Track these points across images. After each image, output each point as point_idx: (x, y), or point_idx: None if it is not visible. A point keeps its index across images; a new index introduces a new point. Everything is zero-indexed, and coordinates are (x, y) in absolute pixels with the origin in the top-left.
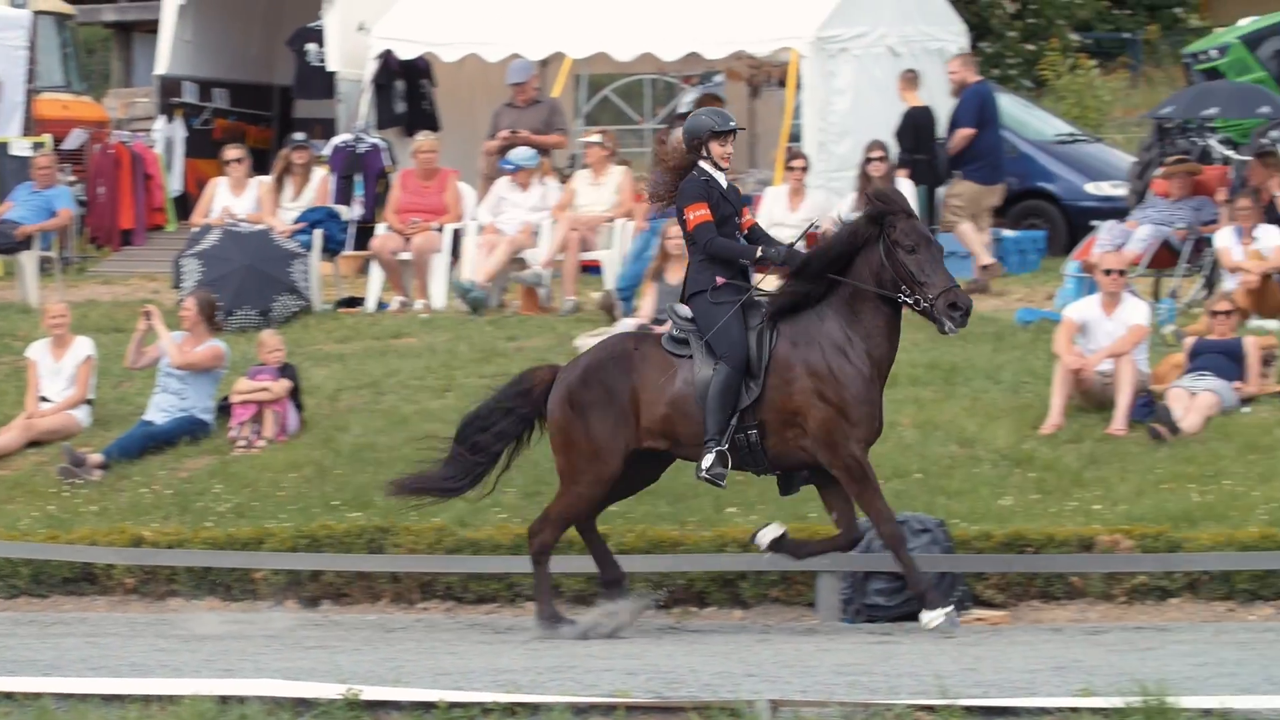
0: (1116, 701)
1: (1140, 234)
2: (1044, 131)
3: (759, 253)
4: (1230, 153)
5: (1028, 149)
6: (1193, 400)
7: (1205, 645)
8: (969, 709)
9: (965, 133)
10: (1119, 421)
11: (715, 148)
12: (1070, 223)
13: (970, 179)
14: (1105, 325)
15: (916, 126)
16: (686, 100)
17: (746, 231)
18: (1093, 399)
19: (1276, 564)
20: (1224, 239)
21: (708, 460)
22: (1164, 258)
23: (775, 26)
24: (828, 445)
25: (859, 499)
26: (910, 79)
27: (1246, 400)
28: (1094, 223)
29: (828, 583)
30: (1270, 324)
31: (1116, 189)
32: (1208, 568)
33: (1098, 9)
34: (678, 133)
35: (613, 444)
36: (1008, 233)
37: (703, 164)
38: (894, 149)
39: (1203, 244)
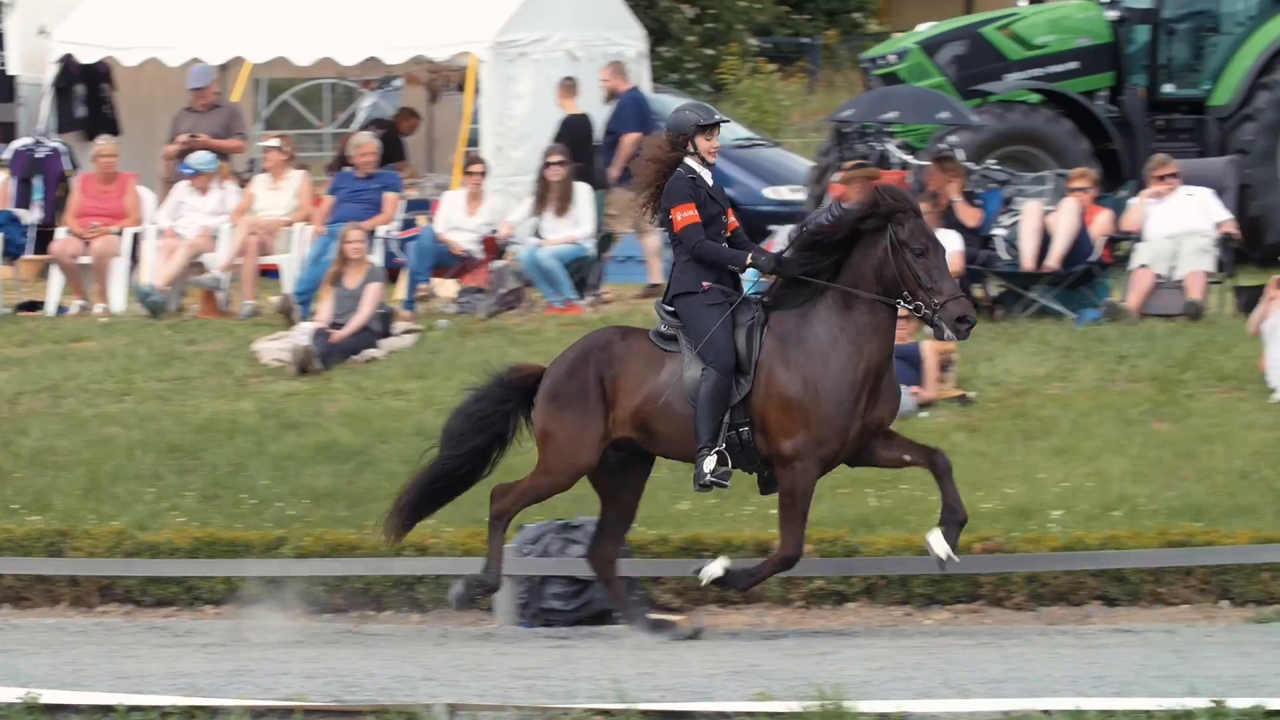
0: (793, 705)
1: None
2: (722, 136)
3: (748, 259)
4: (908, 157)
5: None
6: None
7: (882, 649)
8: (646, 713)
9: (634, 137)
10: None
11: (702, 142)
12: (748, 227)
13: (624, 186)
14: None
15: (574, 134)
16: (365, 105)
17: (730, 233)
18: None
19: (950, 568)
20: None
21: (709, 463)
22: None
23: (454, 31)
24: (788, 454)
25: (784, 511)
26: (569, 87)
27: (924, 405)
28: (772, 227)
29: (505, 586)
30: None
31: (795, 193)
32: (885, 572)
33: (776, 14)
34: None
35: (586, 437)
36: None
37: (689, 160)
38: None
39: None
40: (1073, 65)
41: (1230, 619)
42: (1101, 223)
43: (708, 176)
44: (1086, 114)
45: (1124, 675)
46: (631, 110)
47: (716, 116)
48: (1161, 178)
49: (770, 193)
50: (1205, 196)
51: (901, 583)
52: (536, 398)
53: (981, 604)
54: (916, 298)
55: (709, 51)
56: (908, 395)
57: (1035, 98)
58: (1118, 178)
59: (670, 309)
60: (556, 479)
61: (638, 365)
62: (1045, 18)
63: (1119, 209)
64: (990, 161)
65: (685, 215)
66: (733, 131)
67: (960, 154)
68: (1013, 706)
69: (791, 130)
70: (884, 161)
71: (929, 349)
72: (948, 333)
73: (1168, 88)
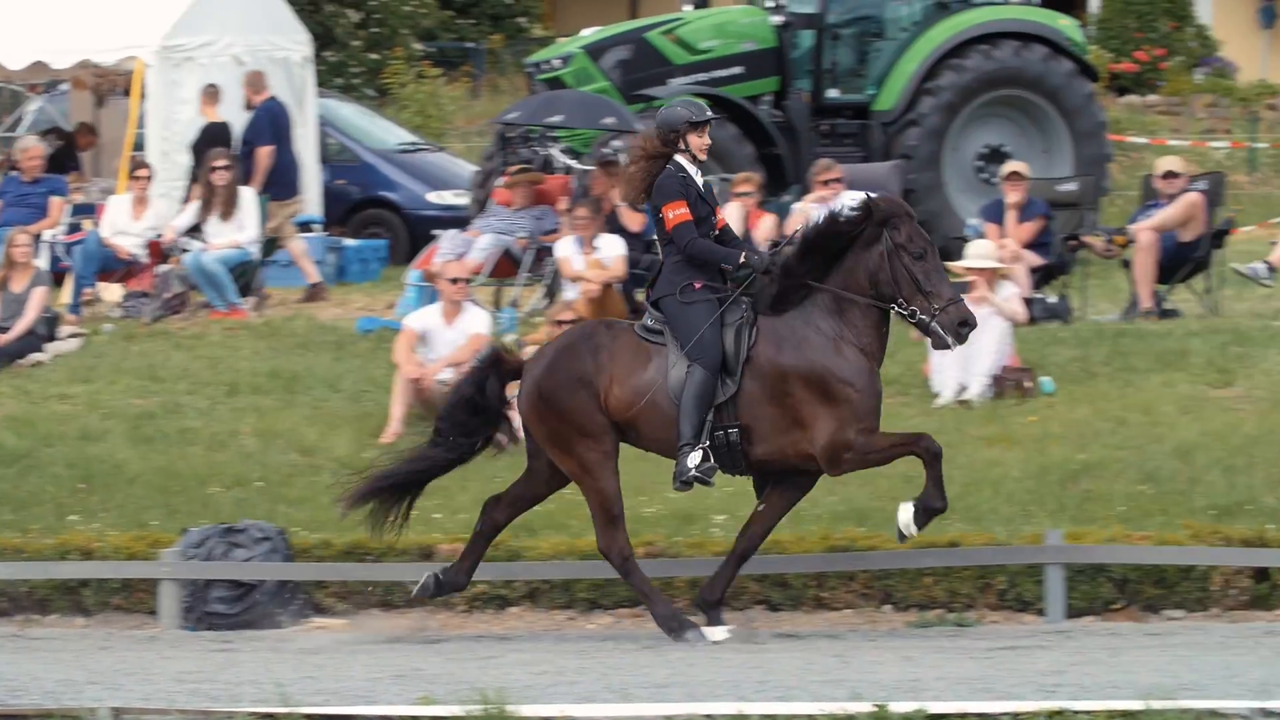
0: (456, 710)
1: (482, 243)
2: (386, 141)
3: (742, 257)
4: (572, 162)
5: (370, 158)
6: None
7: (545, 654)
8: (310, 717)
9: (267, 150)
10: None
11: (693, 140)
12: (412, 232)
13: (261, 198)
14: (446, 334)
15: (213, 141)
16: (32, 109)
17: (718, 232)
18: (433, 408)
19: (615, 573)
20: (564, 248)
21: (694, 458)
22: (506, 267)
23: (121, 35)
24: (830, 449)
25: (881, 461)
26: (211, 94)
27: None
28: (436, 232)
29: (169, 590)
30: None
31: (459, 198)
32: (547, 576)
33: (441, 19)
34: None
35: (597, 417)
36: (349, 242)
37: (679, 158)
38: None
39: (544, 253)
40: (737, 70)
41: (893, 623)
42: (765, 227)
43: (698, 175)
44: (751, 119)
45: (786, 680)
46: (265, 122)
47: (708, 113)
48: (825, 182)
49: (434, 197)
50: None
51: (564, 587)
52: (521, 402)
53: (644, 608)
54: (913, 302)
55: (374, 56)
56: None
57: None
58: (782, 182)
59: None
60: (603, 469)
61: (625, 357)
62: (710, 23)
63: (782, 213)
64: None
65: (677, 213)
66: (397, 136)
67: (624, 159)
68: (675, 710)
69: (455, 135)
70: (548, 166)
71: None
72: (949, 338)
73: (832, 93)
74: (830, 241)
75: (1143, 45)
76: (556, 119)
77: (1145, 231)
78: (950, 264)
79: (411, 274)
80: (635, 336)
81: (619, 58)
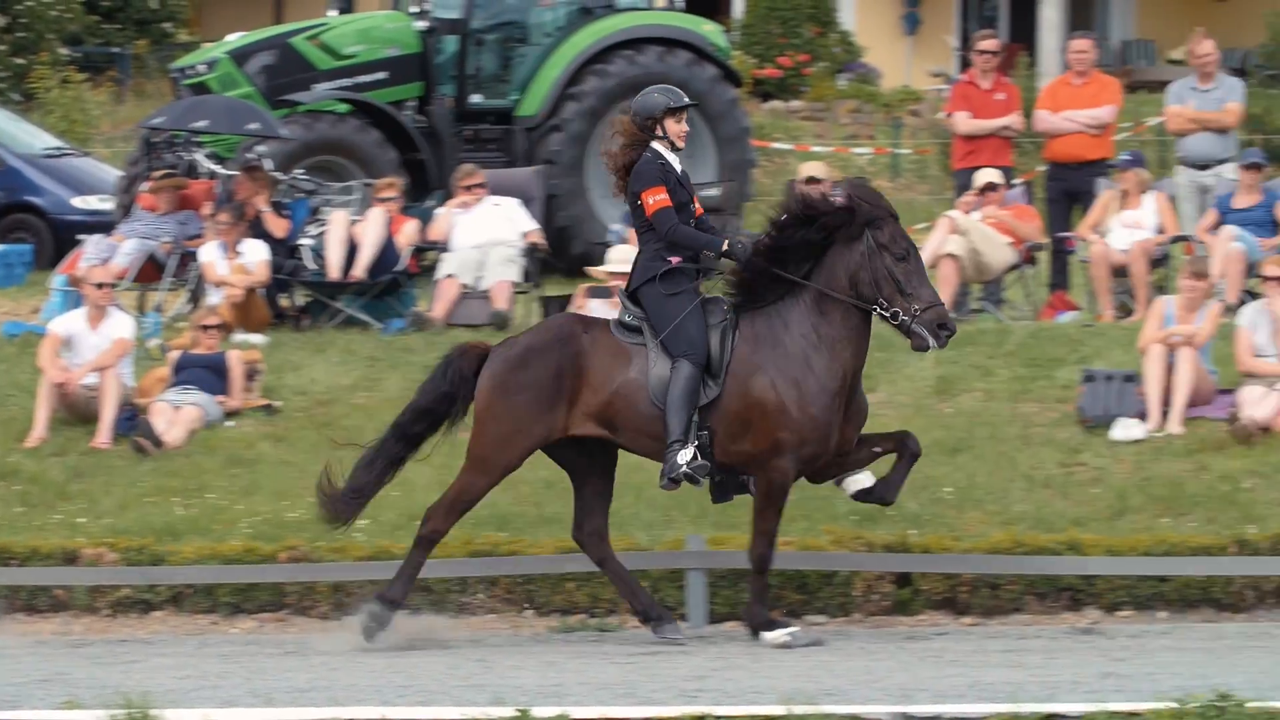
0: (101, 714)
1: (127, 248)
2: (32, 145)
3: (725, 244)
4: (217, 167)
5: (16, 163)
6: (177, 414)
7: (189, 658)
8: None
9: None
10: (103, 435)
11: (671, 126)
12: (57, 236)
13: None
14: (91, 339)
15: None
16: None
17: (697, 219)
18: (77, 412)
19: (258, 577)
20: (209, 253)
21: (685, 455)
22: (150, 272)
23: None
24: (766, 455)
25: (759, 513)
26: None
27: (230, 414)
28: (81, 236)
29: None
30: (254, 338)
31: (104, 203)
32: (190, 581)
33: (87, 23)
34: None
35: (529, 432)
36: None
37: (656, 145)
38: None
39: (188, 258)
40: (381, 75)
41: (535, 628)
42: (408, 232)
43: (675, 162)
44: (394, 124)
45: (429, 684)
46: None
47: (686, 99)
48: (468, 188)
49: (79, 202)
50: (512, 206)
51: (208, 591)
52: (480, 380)
53: (287, 613)
54: (894, 304)
55: (20, 60)
56: (214, 404)
57: (344, 108)
58: (425, 188)
59: (634, 308)
60: (489, 475)
61: (604, 360)
62: (354, 28)
63: (426, 219)
64: (298, 171)
65: (657, 199)
66: (43, 140)
67: (269, 164)
68: (318, 715)
69: (101, 140)
70: (193, 171)
71: (235, 358)
72: (929, 340)
73: (476, 98)
74: (806, 228)
75: (787, 51)
76: (201, 124)
77: None
78: (591, 269)
79: (56, 279)
80: (614, 337)
81: (264, 63)
